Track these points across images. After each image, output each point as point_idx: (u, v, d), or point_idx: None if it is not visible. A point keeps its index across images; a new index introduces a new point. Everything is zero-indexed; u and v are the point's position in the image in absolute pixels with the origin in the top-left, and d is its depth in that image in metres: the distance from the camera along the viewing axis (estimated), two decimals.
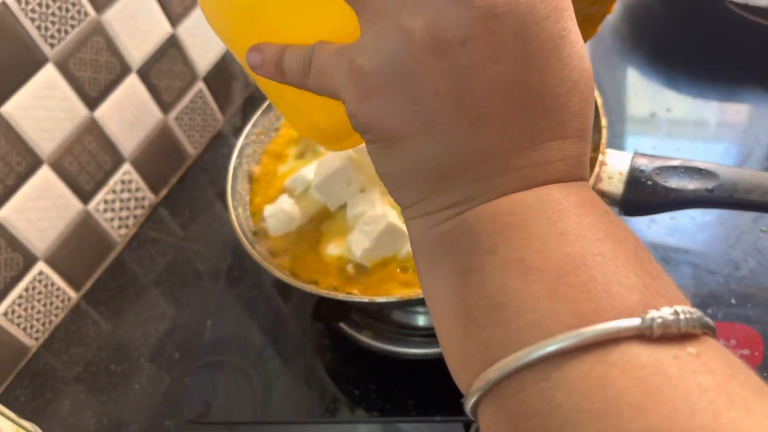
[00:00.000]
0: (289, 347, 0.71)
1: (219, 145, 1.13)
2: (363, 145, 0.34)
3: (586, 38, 0.62)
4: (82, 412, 0.84)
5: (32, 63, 0.84)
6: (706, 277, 0.64)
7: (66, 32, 0.87)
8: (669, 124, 0.77)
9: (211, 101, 1.11)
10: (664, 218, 0.68)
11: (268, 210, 0.65)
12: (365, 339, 0.67)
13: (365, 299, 0.56)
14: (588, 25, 0.60)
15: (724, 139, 0.76)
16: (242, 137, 0.71)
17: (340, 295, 0.56)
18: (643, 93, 0.82)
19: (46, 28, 0.85)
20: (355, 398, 0.64)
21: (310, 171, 0.67)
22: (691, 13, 0.89)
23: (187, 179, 1.10)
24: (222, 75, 1.12)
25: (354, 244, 0.60)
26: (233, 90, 1.16)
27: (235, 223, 0.64)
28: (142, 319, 0.93)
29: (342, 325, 0.68)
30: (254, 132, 0.72)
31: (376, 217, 0.60)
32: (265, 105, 0.74)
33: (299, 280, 0.60)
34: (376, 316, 0.69)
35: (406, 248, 0.59)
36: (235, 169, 0.69)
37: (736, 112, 0.77)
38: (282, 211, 0.64)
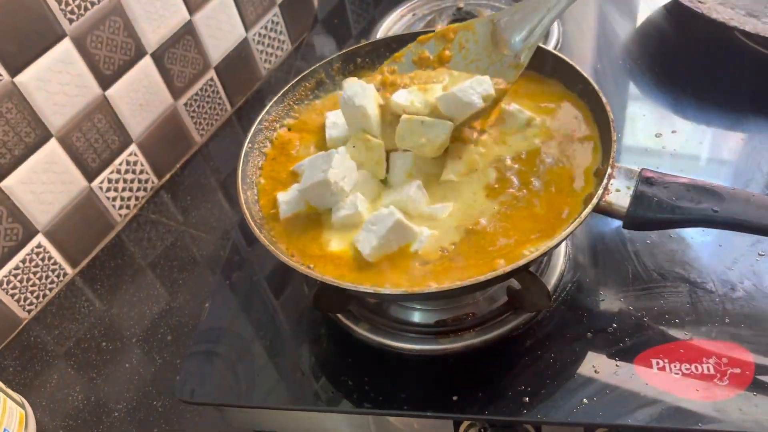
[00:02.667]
0: (283, 335, 0.71)
1: (225, 135, 1.14)
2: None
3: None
4: (71, 387, 0.84)
5: (50, 36, 0.85)
6: (703, 296, 0.65)
7: (86, 9, 0.88)
8: (673, 146, 0.78)
9: (221, 90, 1.12)
10: (663, 236, 0.70)
11: (282, 196, 0.65)
12: (361, 331, 0.67)
13: (369, 289, 0.56)
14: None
15: (726, 164, 0.77)
16: (255, 123, 0.71)
17: (345, 284, 0.57)
18: (650, 113, 0.84)
19: (67, 3, 0.85)
20: (348, 388, 0.64)
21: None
22: (700, 39, 0.90)
23: (191, 166, 1.10)
24: (234, 65, 1.13)
25: (361, 243, 0.60)
26: (244, 81, 1.17)
27: (244, 206, 0.64)
28: (137, 300, 0.93)
29: (339, 316, 0.69)
30: (267, 119, 0.73)
31: (383, 215, 0.61)
32: (279, 93, 0.74)
33: (303, 265, 0.60)
34: (375, 309, 0.69)
35: (414, 246, 0.60)
36: (246, 153, 0.69)
37: (739, 138, 0.79)
38: (296, 200, 0.65)
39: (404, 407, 0.62)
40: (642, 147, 0.80)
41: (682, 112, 0.83)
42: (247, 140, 0.70)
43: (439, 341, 0.66)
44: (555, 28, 0.96)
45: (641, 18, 1.00)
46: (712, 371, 0.60)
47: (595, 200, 0.58)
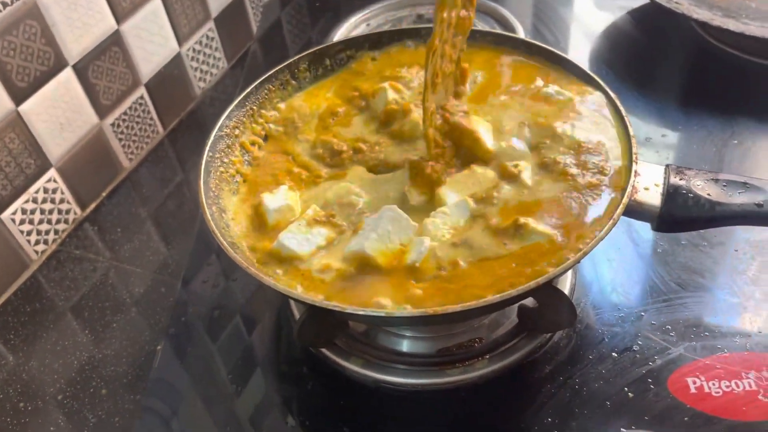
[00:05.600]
0: (260, 375, 0.60)
1: (157, 160, 1.02)
2: None
3: None
4: None
5: None
6: (727, 305, 0.60)
7: None
8: (666, 149, 0.74)
9: (152, 110, 1.00)
10: (673, 243, 0.64)
11: (271, 201, 0.55)
12: (354, 368, 0.57)
13: (381, 313, 0.47)
14: None
15: (725, 165, 0.74)
16: (215, 129, 0.61)
17: (350, 307, 0.47)
18: (636, 118, 0.79)
19: None
20: None
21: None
22: (675, 43, 0.89)
23: (119, 194, 0.97)
24: (166, 83, 1.01)
25: (357, 242, 0.51)
26: (177, 101, 1.05)
27: (212, 224, 0.53)
28: (60, 350, 0.78)
29: (325, 351, 0.58)
30: (228, 125, 0.63)
31: (378, 215, 0.53)
32: (241, 95, 0.64)
33: (293, 287, 0.50)
34: (366, 340, 0.59)
35: (412, 256, 0.51)
36: (207, 163, 0.58)
37: (731, 140, 0.75)
38: (287, 207, 0.55)
39: None
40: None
41: (669, 116, 0.80)
42: (207, 149, 0.60)
43: (446, 373, 0.57)
44: (521, 31, 0.90)
45: (605, 23, 0.97)
46: (753, 386, 0.54)
47: (625, 199, 0.51)
